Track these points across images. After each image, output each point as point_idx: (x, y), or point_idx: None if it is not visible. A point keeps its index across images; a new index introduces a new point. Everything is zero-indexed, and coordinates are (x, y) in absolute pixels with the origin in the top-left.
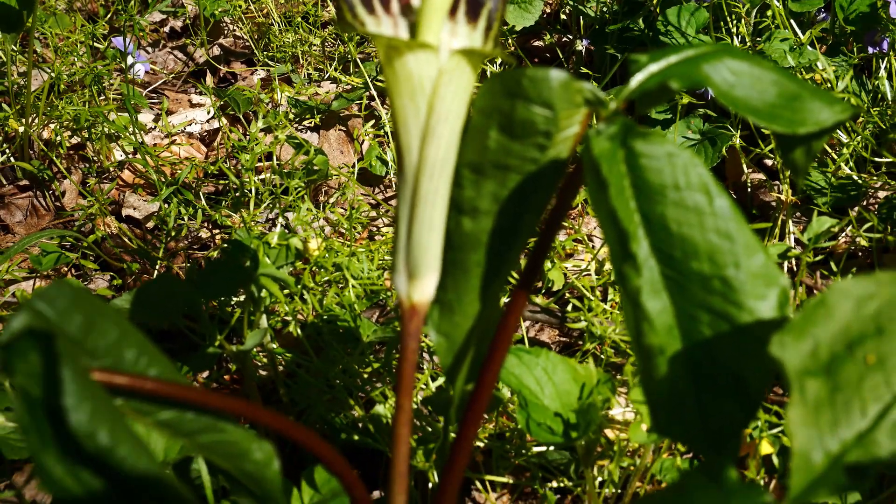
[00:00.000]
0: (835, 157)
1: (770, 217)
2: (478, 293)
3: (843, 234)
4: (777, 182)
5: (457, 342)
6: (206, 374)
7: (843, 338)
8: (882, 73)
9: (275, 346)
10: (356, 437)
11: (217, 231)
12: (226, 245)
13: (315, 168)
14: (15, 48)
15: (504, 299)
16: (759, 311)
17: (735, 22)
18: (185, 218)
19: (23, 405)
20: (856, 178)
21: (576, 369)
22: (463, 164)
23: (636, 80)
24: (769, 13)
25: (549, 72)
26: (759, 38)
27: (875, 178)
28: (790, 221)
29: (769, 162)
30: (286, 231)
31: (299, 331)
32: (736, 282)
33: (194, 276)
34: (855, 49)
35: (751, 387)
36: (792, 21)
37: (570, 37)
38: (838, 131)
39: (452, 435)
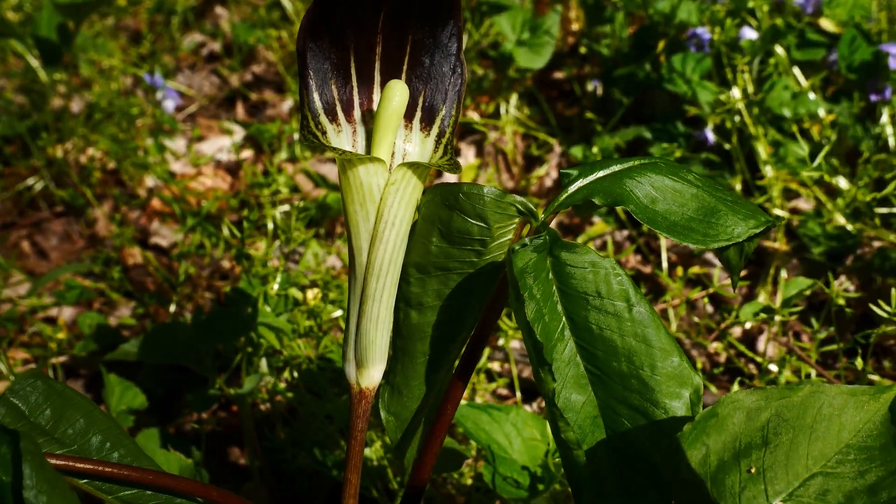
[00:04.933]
0: (830, 207)
1: (765, 264)
2: (423, 378)
3: (838, 282)
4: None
5: (405, 421)
6: (215, 406)
7: (732, 448)
8: (885, 119)
9: (280, 383)
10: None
11: (236, 265)
12: (230, 291)
13: (328, 204)
14: (58, 75)
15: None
16: (673, 409)
17: (737, 72)
18: (209, 247)
19: None
20: (850, 228)
21: (545, 423)
22: (410, 263)
23: (564, 194)
24: (772, 61)
25: (483, 188)
26: (762, 87)
27: (871, 228)
28: (783, 270)
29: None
30: (288, 278)
31: (296, 374)
32: (652, 381)
33: (199, 322)
34: (855, 96)
35: (664, 475)
36: (796, 69)
37: (589, 68)
38: (838, 178)
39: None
